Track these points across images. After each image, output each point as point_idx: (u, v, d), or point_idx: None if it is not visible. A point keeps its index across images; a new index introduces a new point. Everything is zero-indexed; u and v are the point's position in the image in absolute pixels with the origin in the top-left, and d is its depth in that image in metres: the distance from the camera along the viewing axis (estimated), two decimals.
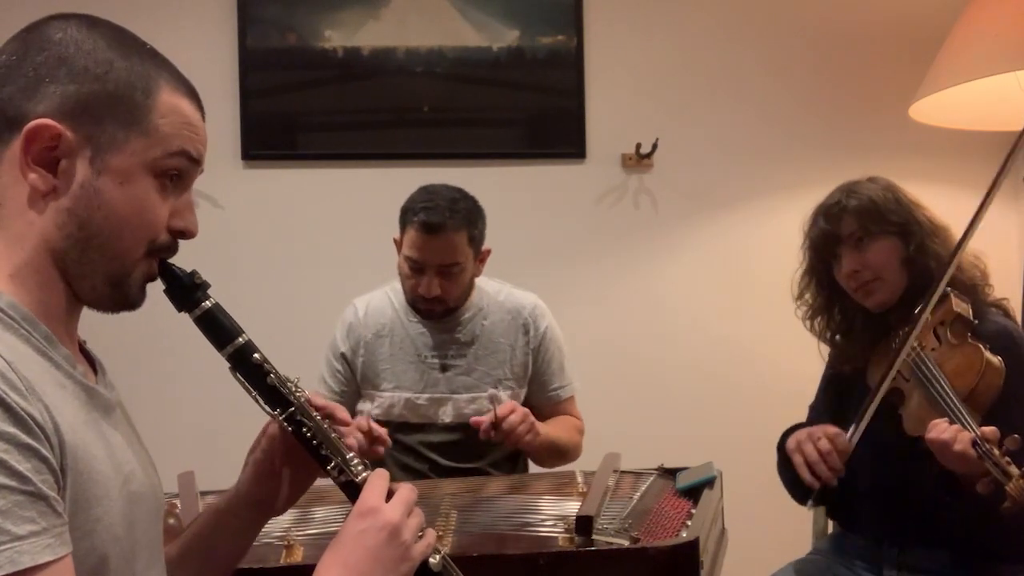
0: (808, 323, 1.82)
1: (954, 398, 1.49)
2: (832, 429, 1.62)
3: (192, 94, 0.92)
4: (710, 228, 2.80)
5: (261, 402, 0.99)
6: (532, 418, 1.84)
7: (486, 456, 2.00)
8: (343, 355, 2.05)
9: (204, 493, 1.58)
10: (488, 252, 2.02)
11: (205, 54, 2.63)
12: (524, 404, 2.05)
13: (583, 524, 1.37)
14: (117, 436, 0.89)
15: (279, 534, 1.44)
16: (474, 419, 1.83)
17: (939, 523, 1.61)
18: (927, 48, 2.39)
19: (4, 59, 0.85)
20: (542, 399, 2.08)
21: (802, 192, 2.79)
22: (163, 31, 2.59)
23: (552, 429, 2.00)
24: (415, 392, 2.00)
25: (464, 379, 2.00)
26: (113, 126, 0.85)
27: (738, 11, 2.79)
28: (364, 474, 0.97)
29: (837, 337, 1.80)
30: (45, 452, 0.75)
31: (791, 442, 1.66)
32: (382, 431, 1.73)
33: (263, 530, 1.43)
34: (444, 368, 2.00)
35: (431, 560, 0.95)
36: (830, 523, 1.93)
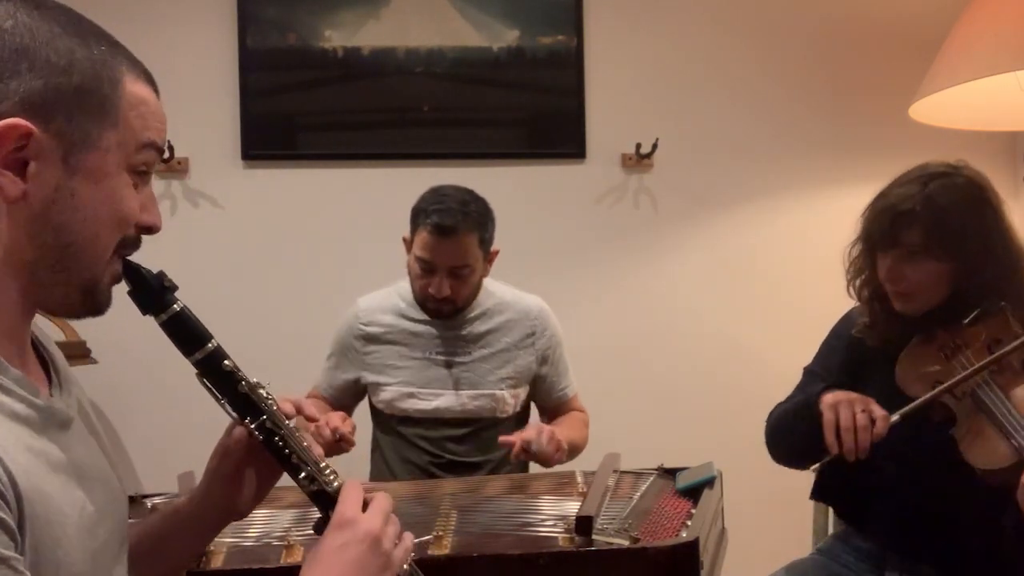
0: (851, 285, 1.70)
1: None
2: (879, 410, 1.51)
3: (148, 77, 0.87)
4: (710, 228, 2.80)
5: (229, 409, 0.95)
6: (557, 436, 1.85)
7: (489, 452, 2.02)
8: (343, 353, 2.08)
9: None
10: (496, 253, 2.05)
11: (205, 54, 2.64)
12: (533, 403, 2.13)
13: (583, 524, 1.37)
14: (71, 454, 0.84)
15: (279, 534, 1.44)
16: (502, 439, 1.85)
17: (952, 541, 1.57)
18: (927, 48, 2.39)
19: None
20: (550, 401, 2.13)
21: (802, 192, 2.81)
22: (163, 31, 2.61)
23: (567, 432, 2.01)
24: (418, 387, 2.02)
25: (468, 376, 2.02)
26: (85, 121, 0.79)
27: (738, 11, 2.79)
28: (336, 483, 0.96)
29: (875, 303, 1.68)
30: (1, 513, 0.71)
31: (829, 398, 1.54)
32: (347, 432, 1.79)
33: (263, 530, 1.45)
34: (449, 365, 2.03)
35: (403, 567, 0.93)
36: (831, 523, 1.93)
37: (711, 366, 2.77)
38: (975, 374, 1.51)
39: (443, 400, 2.02)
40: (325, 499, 0.95)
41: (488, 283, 2.09)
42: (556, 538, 1.40)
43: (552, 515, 1.51)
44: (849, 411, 1.50)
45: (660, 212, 2.78)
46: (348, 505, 0.91)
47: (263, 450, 0.97)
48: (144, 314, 0.91)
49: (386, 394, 2.04)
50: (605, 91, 2.74)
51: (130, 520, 0.98)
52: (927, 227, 1.53)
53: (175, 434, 2.48)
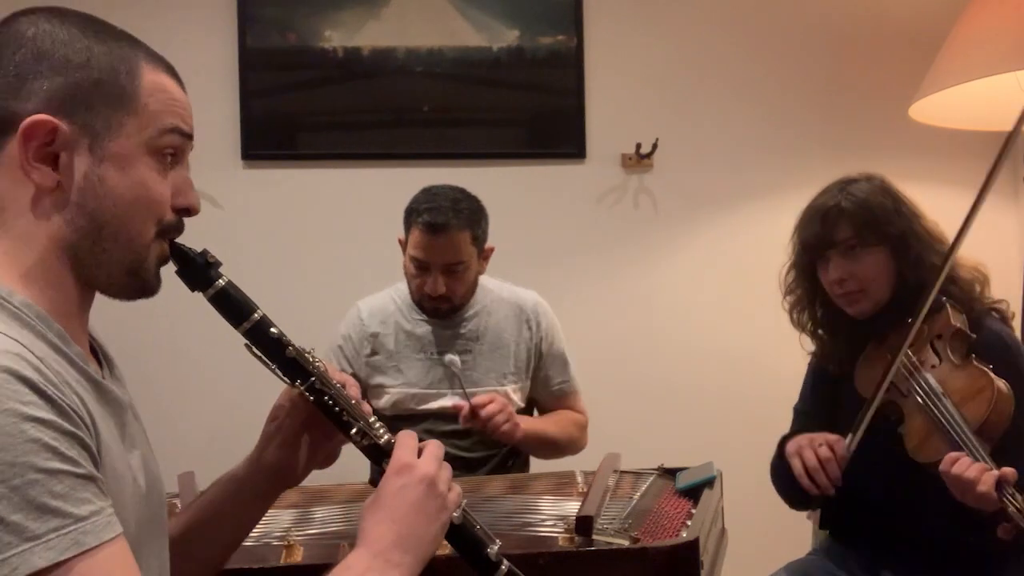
0: (792, 315, 1.79)
1: (966, 429, 1.44)
2: (832, 436, 1.59)
3: (171, 70, 0.92)
4: (710, 228, 2.80)
5: (280, 374, 1.00)
6: (511, 409, 1.90)
7: (492, 447, 2.03)
8: (344, 356, 2.08)
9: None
10: (491, 250, 2.07)
11: (205, 54, 2.64)
12: (529, 399, 2.12)
13: (583, 524, 1.37)
14: (126, 432, 0.90)
15: (279, 534, 1.44)
16: (455, 403, 1.89)
17: (934, 539, 1.60)
18: (927, 48, 2.39)
19: None
20: (546, 395, 2.13)
21: (802, 192, 2.78)
22: (163, 31, 2.60)
23: (542, 423, 2.06)
24: (421, 388, 2.04)
25: (470, 374, 2.03)
26: (105, 111, 0.85)
27: (738, 11, 2.79)
28: (386, 436, 1.00)
29: (820, 331, 1.77)
30: (87, 440, 0.77)
31: (791, 446, 1.63)
32: None
33: (263, 530, 1.45)
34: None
35: (453, 515, 0.97)
36: None
37: (711, 366, 2.76)
38: (895, 363, 1.55)
39: (447, 399, 2.02)
40: (377, 451, 0.99)
41: (484, 280, 2.10)
42: (556, 538, 1.40)
43: (552, 515, 1.51)
44: (810, 451, 1.58)
45: (660, 212, 2.78)
46: (405, 451, 0.96)
47: (314, 413, 1.02)
48: (193, 291, 0.96)
49: (389, 396, 2.04)
50: (605, 91, 2.74)
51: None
52: (854, 219, 1.63)
53: (174, 435, 2.48)
